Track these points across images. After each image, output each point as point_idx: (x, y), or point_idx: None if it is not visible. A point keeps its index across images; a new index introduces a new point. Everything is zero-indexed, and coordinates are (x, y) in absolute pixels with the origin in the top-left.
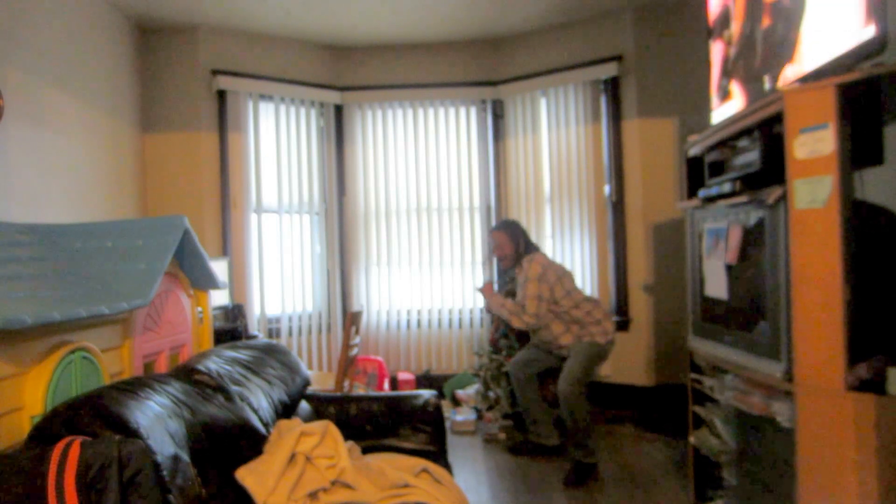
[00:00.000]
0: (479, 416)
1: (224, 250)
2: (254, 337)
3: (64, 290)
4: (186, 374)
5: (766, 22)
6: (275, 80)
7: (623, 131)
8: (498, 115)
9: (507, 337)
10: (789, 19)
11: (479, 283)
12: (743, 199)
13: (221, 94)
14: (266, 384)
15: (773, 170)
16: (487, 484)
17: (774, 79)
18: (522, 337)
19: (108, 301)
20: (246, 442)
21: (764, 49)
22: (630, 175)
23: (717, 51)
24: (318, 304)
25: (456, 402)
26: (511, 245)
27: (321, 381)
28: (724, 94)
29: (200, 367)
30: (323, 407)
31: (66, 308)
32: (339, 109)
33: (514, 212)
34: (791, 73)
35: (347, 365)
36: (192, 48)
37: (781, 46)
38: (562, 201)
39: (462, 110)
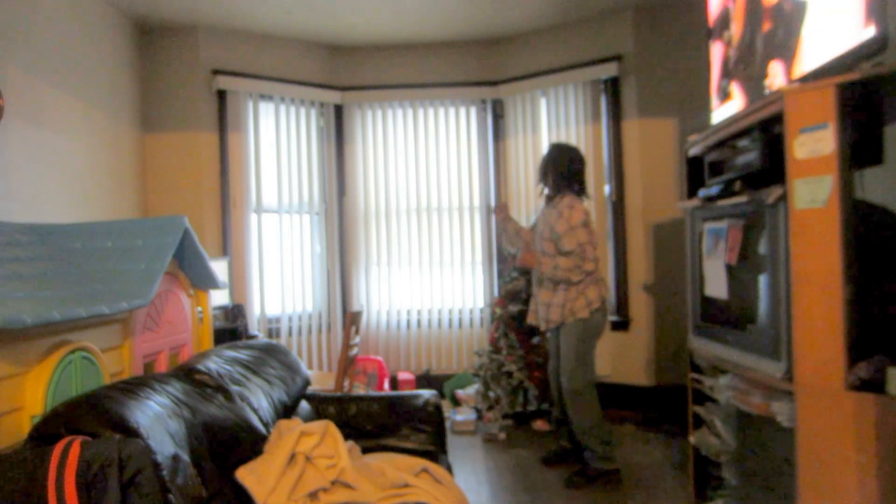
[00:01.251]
0: (479, 416)
1: (224, 250)
2: (254, 337)
3: (64, 290)
4: (186, 373)
5: (766, 25)
6: (275, 80)
7: (623, 131)
8: (498, 115)
9: (507, 336)
10: (789, 23)
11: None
12: (743, 199)
13: (221, 94)
14: (266, 384)
15: (773, 170)
16: (487, 484)
17: (774, 81)
18: (523, 336)
19: (108, 301)
20: (246, 442)
21: (764, 51)
22: (630, 175)
23: (717, 51)
24: (318, 304)
25: (456, 402)
26: (542, 171)
27: (321, 381)
28: (724, 95)
29: (200, 366)
30: (323, 407)
31: (66, 308)
32: (339, 109)
33: (514, 212)
34: (791, 74)
35: (347, 365)
36: (192, 48)
37: (781, 49)
38: None
39: (462, 110)
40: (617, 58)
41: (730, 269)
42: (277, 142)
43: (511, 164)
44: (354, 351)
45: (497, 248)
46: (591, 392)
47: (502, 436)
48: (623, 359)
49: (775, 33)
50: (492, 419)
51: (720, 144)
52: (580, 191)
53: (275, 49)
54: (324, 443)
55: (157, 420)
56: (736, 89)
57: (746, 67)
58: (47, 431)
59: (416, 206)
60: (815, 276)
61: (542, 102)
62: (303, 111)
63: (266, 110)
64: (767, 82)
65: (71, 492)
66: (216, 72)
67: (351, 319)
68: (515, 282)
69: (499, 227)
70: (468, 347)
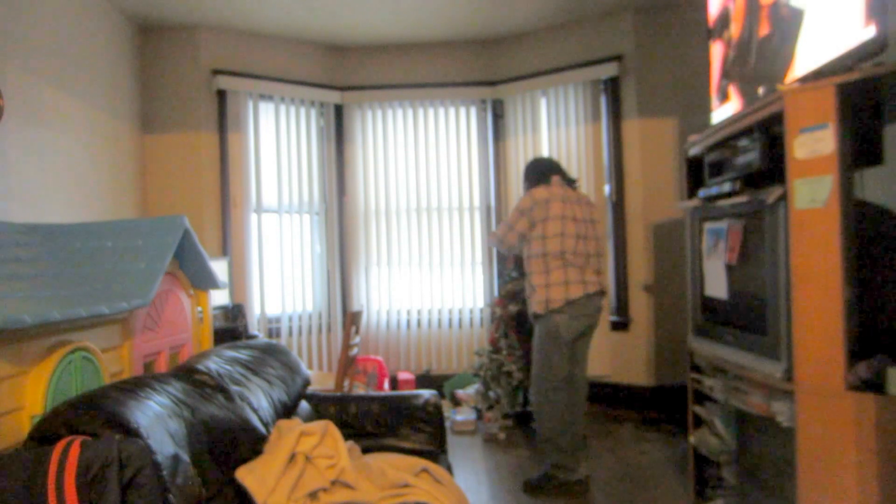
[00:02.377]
0: (479, 416)
1: (224, 250)
2: (254, 337)
3: (64, 290)
4: (186, 373)
5: (763, 26)
6: (275, 80)
7: (623, 131)
8: (498, 115)
9: (507, 336)
10: (787, 25)
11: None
12: (743, 199)
13: (221, 94)
14: (266, 384)
15: (773, 170)
16: (487, 484)
17: (770, 84)
18: (523, 336)
19: (108, 301)
20: (246, 442)
21: (759, 54)
22: (630, 175)
23: (717, 51)
24: (318, 304)
25: (456, 402)
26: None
27: (321, 381)
28: (724, 95)
29: (200, 366)
30: (323, 407)
31: (66, 308)
32: (339, 109)
33: None
34: (787, 78)
35: (347, 365)
36: (192, 48)
37: (778, 52)
38: None
39: (462, 110)
40: (617, 58)
41: (730, 269)
42: (277, 142)
43: (511, 164)
44: (354, 351)
45: (497, 249)
46: (554, 398)
47: (502, 436)
48: (623, 359)
49: (772, 37)
50: (492, 419)
51: (720, 144)
52: (540, 180)
53: (275, 49)
54: (324, 443)
55: (157, 420)
56: (733, 90)
57: (742, 71)
58: (47, 431)
59: (416, 206)
60: (815, 276)
61: (542, 102)
62: (303, 111)
63: (266, 110)
64: (761, 84)
65: (71, 492)
66: (216, 72)
67: (351, 319)
68: (515, 282)
69: None
70: (468, 347)
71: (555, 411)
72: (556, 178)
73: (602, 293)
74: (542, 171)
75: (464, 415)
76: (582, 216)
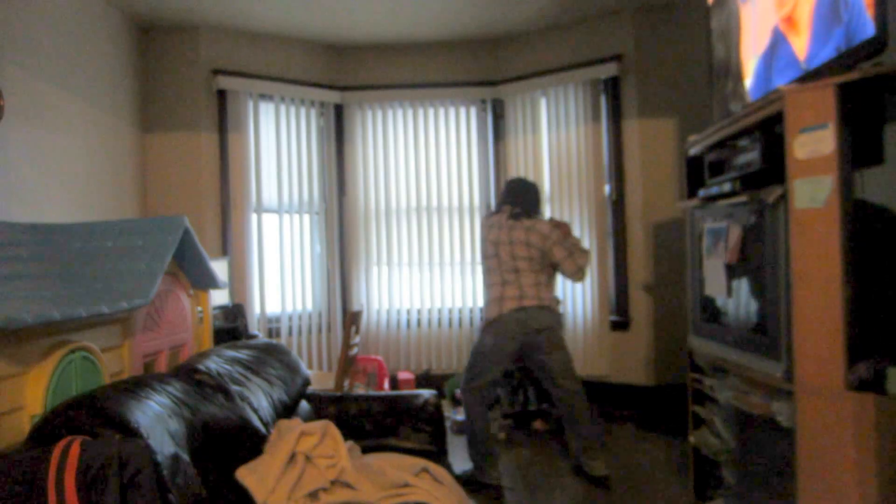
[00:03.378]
0: None
1: (224, 250)
2: (254, 336)
3: (64, 289)
4: (186, 373)
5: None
6: (275, 80)
7: (623, 131)
8: (498, 115)
9: None
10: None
11: None
12: (743, 198)
13: (221, 94)
14: (266, 384)
15: (773, 170)
16: None
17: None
18: None
19: (108, 301)
20: (246, 442)
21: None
22: (630, 175)
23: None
24: (318, 304)
25: (456, 402)
26: None
27: (321, 380)
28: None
29: (200, 366)
30: (323, 407)
31: (66, 308)
32: (339, 109)
33: None
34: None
35: (347, 364)
36: (192, 48)
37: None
38: (562, 201)
39: (462, 110)
40: (617, 58)
41: (730, 269)
42: (277, 142)
43: (511, 164)
44: (354, 351)
45: None
46: (471, 400)
47: (502, 436)
48: (623, 359)
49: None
50: (492, 419)
51: (720, 144)
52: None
53: (275, 49)
54: (324, 443)
55: (157, 420)
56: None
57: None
58: (47, 431)
59: (416, 206)
60: (815, 276)
61: (542, 102)
62: (303, 111)
63: (266, 110)
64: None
65: (71, 492)
66: (216, 72)
67: (351, 319)
68: None
69: None
70: (468, 347)
71: (471, 414)
72: (506, 208)
73: (538, 308)
74: (498, 202)
75: (464, 415)
76: (509, 238)
